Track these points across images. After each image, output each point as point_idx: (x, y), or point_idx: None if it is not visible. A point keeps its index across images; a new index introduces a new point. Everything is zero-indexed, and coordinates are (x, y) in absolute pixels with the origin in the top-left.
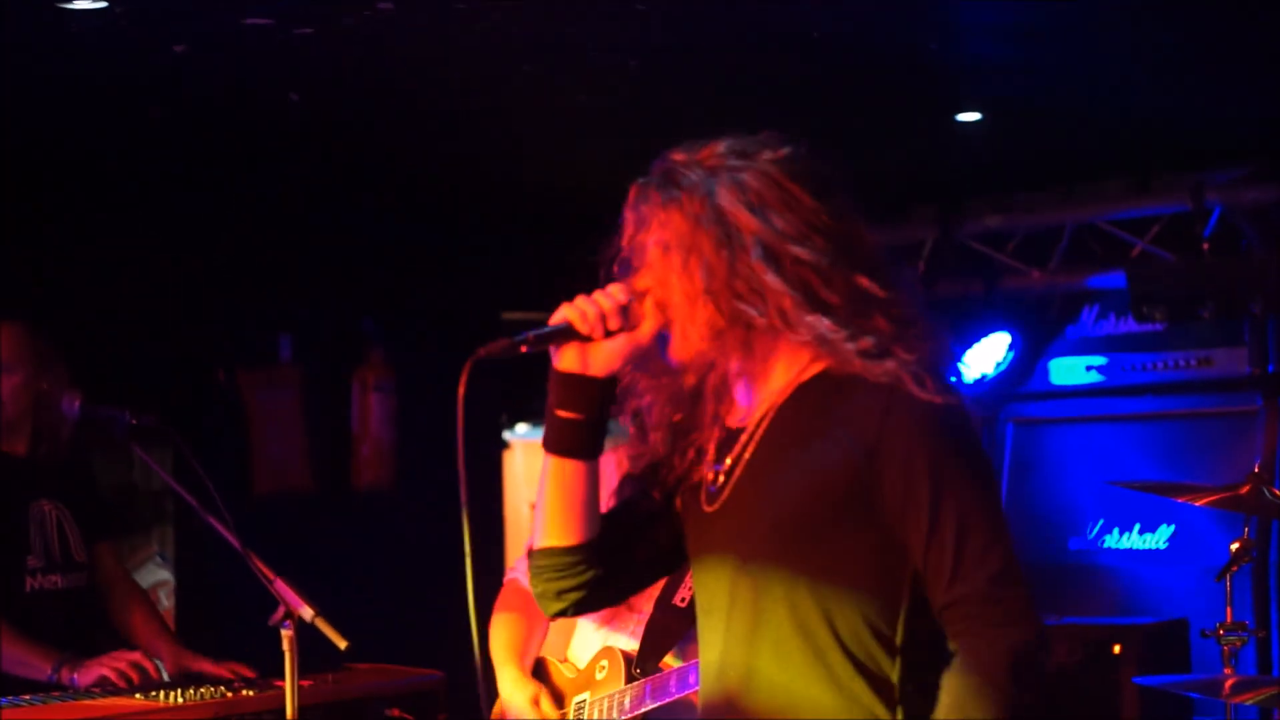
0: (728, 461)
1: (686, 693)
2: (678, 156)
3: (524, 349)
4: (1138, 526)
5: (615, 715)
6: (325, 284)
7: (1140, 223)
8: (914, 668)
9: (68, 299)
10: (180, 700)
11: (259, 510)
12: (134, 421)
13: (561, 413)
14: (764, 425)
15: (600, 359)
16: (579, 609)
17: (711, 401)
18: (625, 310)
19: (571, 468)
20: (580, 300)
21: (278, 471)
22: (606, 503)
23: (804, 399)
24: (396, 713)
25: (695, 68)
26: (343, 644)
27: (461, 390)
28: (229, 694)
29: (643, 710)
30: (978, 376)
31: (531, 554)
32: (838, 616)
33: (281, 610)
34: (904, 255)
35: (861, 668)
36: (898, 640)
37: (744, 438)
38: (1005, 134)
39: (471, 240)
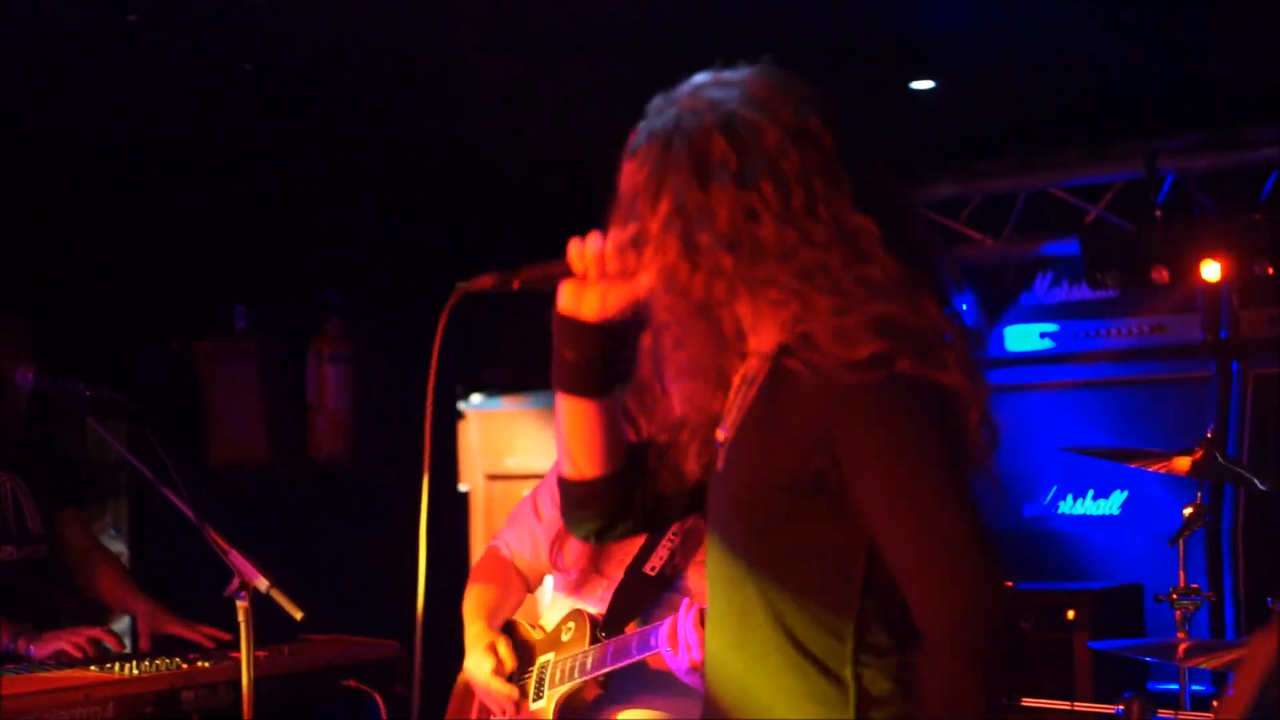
0: (719, 432)
1: (647, 654)
2: (657, 102)
3: (516, 285)
4: (1091, 492)
5: (577, 676)
6: (282, 254)
7: (1094, 190)
8: (867, 654)
9: (22, 270)
10: (136, 671)
11: (215, 481)
12: (89, 393)
13: (564, 352)
14: (748, 397)
15: (594, 302)
16: (601, 536)
17: (712, 361)
18: (624, 254)
19: (579, 405)
20: (589, 238)
21: (234, 442)
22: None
23: (775, 375)
24: (353, 683)
25: (647, 40)
26: (298, 615)
27: (443, 322)
28: (184, 665)
29: (604, 671)
30: None
31: (559, 480)
32: (790, 604)
33: (237, 581)
34: None
35: (812, 656)
36: (850, 630)
37: (732, 407)
38: (960, 102)
39: (429, 212)
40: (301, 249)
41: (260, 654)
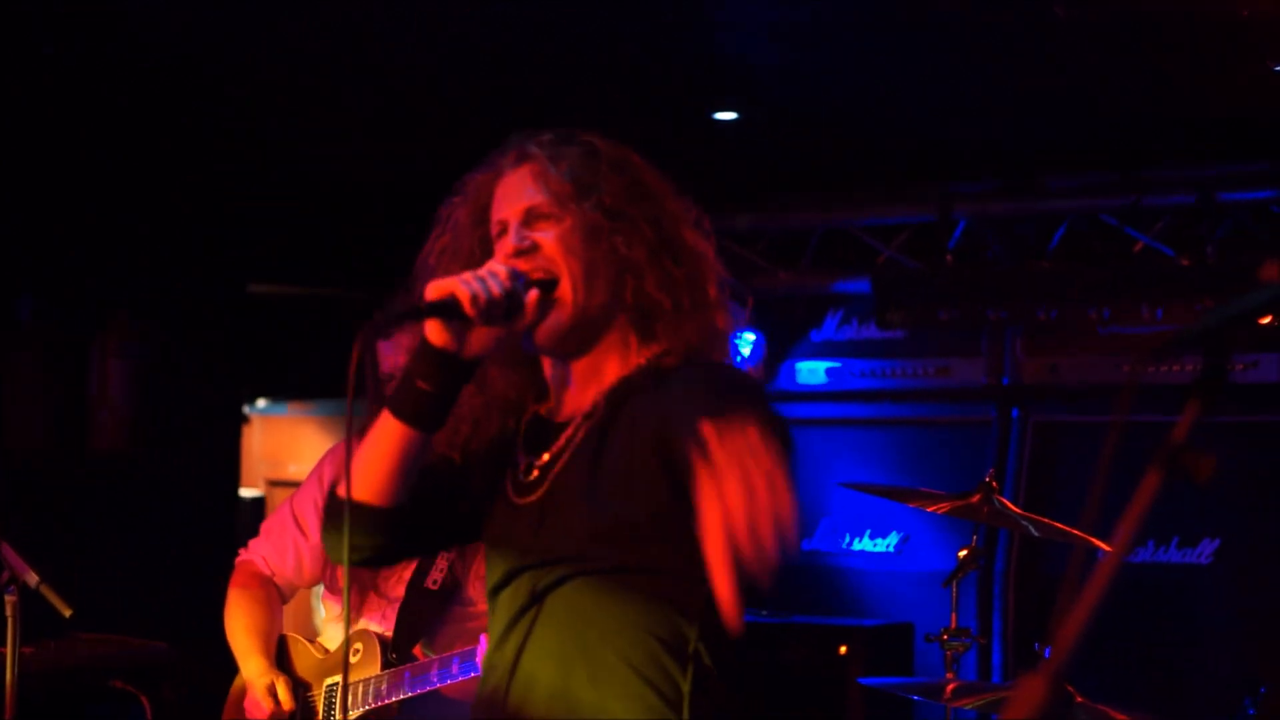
0: (545, 456)
1: (448, 682)
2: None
3: (415, 320)
4: (869, 530)
5: (372, 701)
6: (69, 245)
7: (888, 230)
8: (704, 677)
9: None
10: None
11: None
12: None
13: (420, 383)
14: (587, 425)
15: (477, 342)
16: (369, 564)
17: (544, 389)
18: (512, 296)
19: (408, 435)
20: (475, 280)
21: (12, 433)
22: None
23: (620, 399)
24: (119, 684)
25: (450, 63)
26: (67, 611)
27: (355, 357)
28: None
29: (399, 698)
30: None
31: (337, 500)
32: (642, 627)
33: (5, 575)
34: None
35: (656, 677)
36: (690, 649)
37: (567, 434)
38: (761, 135)
39: (222, 212)
40: (90, 242)
41: (26, 650)
